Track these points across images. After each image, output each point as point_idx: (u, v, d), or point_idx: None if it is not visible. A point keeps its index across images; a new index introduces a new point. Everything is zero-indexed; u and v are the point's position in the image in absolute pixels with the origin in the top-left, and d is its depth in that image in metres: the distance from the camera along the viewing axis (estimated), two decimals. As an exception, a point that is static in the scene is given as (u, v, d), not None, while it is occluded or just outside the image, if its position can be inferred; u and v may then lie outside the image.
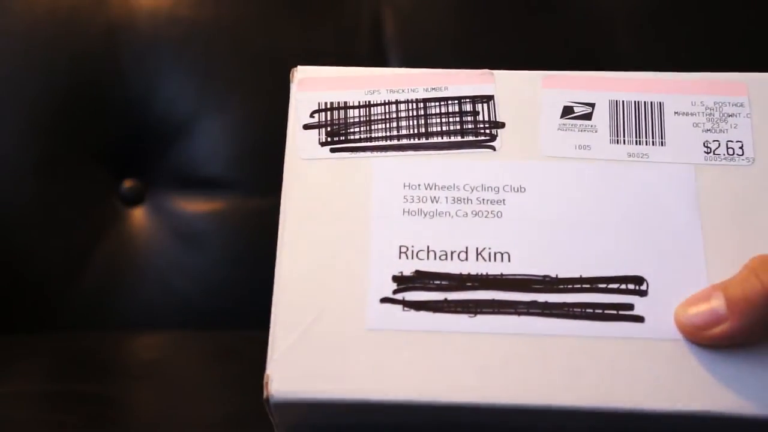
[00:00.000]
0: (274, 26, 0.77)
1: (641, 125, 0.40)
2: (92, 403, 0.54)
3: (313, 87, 0.41)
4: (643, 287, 0.37)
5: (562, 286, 0.37)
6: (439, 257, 0.38)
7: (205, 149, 0.76)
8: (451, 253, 0.38)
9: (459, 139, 0.40)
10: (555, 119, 0.40)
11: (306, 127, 0.41)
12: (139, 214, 0.76)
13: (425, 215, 0.39)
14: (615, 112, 0.40)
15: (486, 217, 0.39)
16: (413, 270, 0.38)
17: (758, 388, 0.36)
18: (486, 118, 0.40)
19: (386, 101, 0.41)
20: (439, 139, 0.40)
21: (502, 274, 0.38)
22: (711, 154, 0.39)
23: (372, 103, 0.41)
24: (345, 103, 0.41)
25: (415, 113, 0.40)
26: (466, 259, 0.38)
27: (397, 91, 0.41)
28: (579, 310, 0.37)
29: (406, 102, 0.40)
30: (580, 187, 0.39)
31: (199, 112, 0.76)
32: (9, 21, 0.75)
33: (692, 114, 0.40)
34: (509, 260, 0.38)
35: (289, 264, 0.39)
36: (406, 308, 0.37)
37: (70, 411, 0.52)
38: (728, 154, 0.39)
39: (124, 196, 0.76)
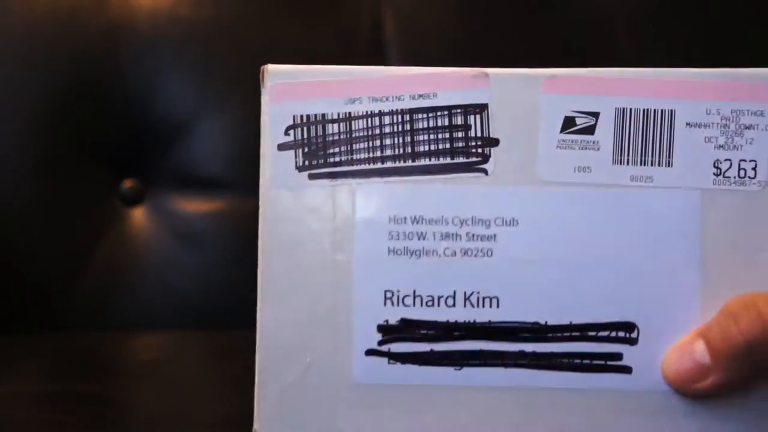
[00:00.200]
0: (274, 26, 0.77)
1: (648, 141, 0.36)
2: (92, 403, 0.54)
3: (287, 94, 0.37)
4: (634, 335, 0.36)
5: (550, 335, 0.36)
6: (426, 303, 0.36)
7: (205, 149, 0.76)
8: (438, 298, 0.36)
9: (448, 160, 0.36)
10: (554, 134, 0.36)
11: (281, 147, 0.36)
12: (139, 214, 0.76)
13: (411, 254, 0.36)
14: (621, 123, 0.36)
15: (476, 256, 0.36)
16: (399, 318, 0.36)
17: None
18: (479, 134, 0.36)
19: (369, 112, 0.36)
20: (427, 161, 0.36)
21: (490, 322, 0.36)
22: (721, 176, 0.36)
23: (353, 115, 0.36)
24: (323, 115, 0.36)
25: (400, 128, 0.36)
26: (454, 305, 0.36)
27: (381, 99, 0.36)
28: (567, 360, 0.36)
29: (391, 113, 0.36)
30: (576, 220, 0.36)
31: (199, 112, 0.76)
32: (9, 21, 0.75)
33: (706, 125, 0.36)
34: (498, 306, 0.36)
35: (270, 313, 0.37)
36: (392, 361, 0.36)
37: (70, 411, 0.52)
38: (739, 176, 0.36)
39: (124, 196, 0.76)
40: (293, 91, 0.37)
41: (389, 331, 0.36)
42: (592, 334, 0.36)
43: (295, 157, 0.36)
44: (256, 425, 0.37)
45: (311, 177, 0.36)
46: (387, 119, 0.36)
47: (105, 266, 0.74)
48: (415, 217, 0.36)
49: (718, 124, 0.36)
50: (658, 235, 0.36)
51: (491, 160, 0.36)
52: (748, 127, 0.36)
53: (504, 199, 0.36)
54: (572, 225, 0.36)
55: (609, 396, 0.36)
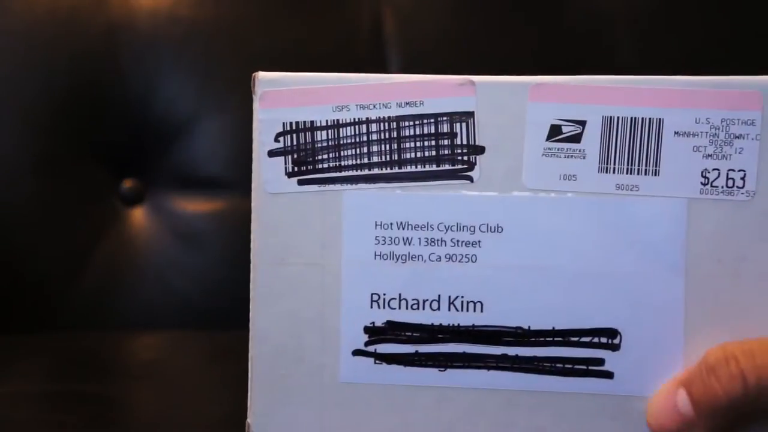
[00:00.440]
0: (274, 26, 0.77)
1: (635, 150, 0.36)
2: (92, 403, 0.54)
3: (277, 101, 0.37)
4: (617, 341, 0.36)
5: (533, 339, 0.36)
6: (411, 306, 0.37)
7: (205, 149, 0.76)
8: (423, 302, 0.37)
9: (434, 167, 0.36)
10: (540, 142, 0.36)
11: (271, 153, 0.37)
12: (139, 214, 0.76)
13: (397, 259, 0.37)
14: (608, 132, 0.36)
15: (460, 261, 0.36)
16: (385, 320, 0.37)
17: None
18: (464, 142, 0.36)
19: (356, 120, 0.36)
20: (413, 168, 0.36)
21: (473, 326, 0.36)
22: (708, 186, 0.36)
23: (341, 122, 0.37)
24: (312, 123, 0.37)
25: (387, 135, 0.36)
26: (438, 308, 0.37)
27: (368, 107, 0.36)
28: (549, 365, 0.36)
29: (378, 121, 0.36)
30: (561, 227, 0.36)
31: (199, 112, 0.76)
32: (9, 21, 0.75)
33: (694, 135, 0.36)
34: (482, 310, 0.36)
35: (263, 315, 0.38)
36: (377, 361, 0.37)
37: (70, 411, 0.52)
38: (727, 186, 0.36)
39: (124, 196, 0.76)
40: (283, 98, 0.37)
41: (375, 333, 0.37)
42: (575, 339, 0.36)
43: (285, 163, 0.37)
44: (249, 419, 0.38)
45: (300, 183, 0.37)
46: (374, 126, 0.37)
47: (105, 266, 0.74)
48: (401, 223, 0.37)
49: (707, 133, 0.36)
50: (643, 243, 0.36)
51: (477, 167, 0.36)
52: (738, 137, 0.36)
53: (489, 206, 0.36)
54: (557, 232, 0.36)
55: (590, 400, 0.36)
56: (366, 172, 0.37)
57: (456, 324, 0.36)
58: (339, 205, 0.37)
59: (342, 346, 0.37)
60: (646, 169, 0.36)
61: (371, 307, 0.37)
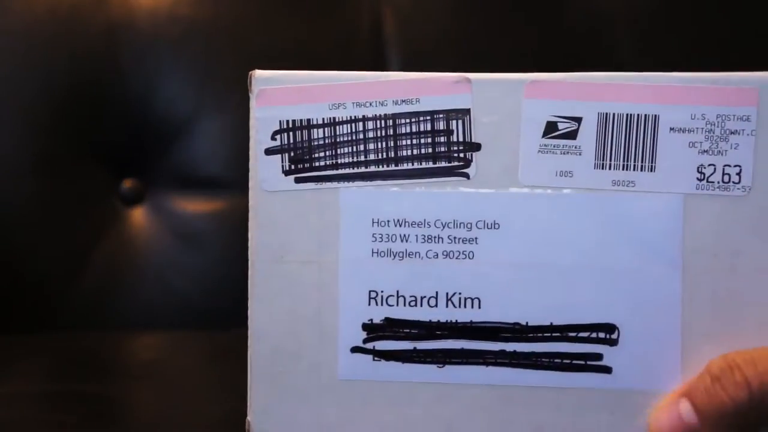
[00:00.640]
0: (274, 26, 0.77)
1: (631, 146, 0.36)
2: (92, 403, 0.54)
3: (274, 99, 0.37)
4: (614, 336, 0.36)
5: (531, 335, 0.36)
6: (409, 303, 0.37)
7: (205, 149, 0.76)
8: (421, 298, 0.37)
9: (431, 165, 0.36)
10: (536, 139, 0.36)
11: (268, 152, 0.37)
12: (138, 214, 0.76)
13: (395, 256, 0.37)
14: (603, 128, 0.36)
15: (457, 258, 0.36)
16: (383, 317, 0.37)
17: None
18: (461, 139, 0.36)
19: (353, 117, 0.36)
20: (410, 166, 0.36)
21: (471, 322, 0.36)
22: (704, 181, 0.36)
23: (337, 120, 0.37)
24: (308, 121, 0.37)
25: (383, 132, 0.36)
26: (436, 305, 0.37)
27: (364, 105, 0.36)
28: (547, 360, 0.36)
29: (374, 119, 0.36)
30: (557, 223, 0.36)
31: (199, 112, 0.76)
32: (9, 20, 0.75)
33: (690, 131, 0.36)
34: (479, 306, 0.36)
35: (261, 312, 0.38)
36: (376, 358, 0.37)
37: (70, 411, 0.52)
38: (723, 182, 0.36)
39: (124, 196, 0.76)
40: (279, 96, 0.37)
41: (373, 330, 0.37)
42: (573, 334, 0.36)
43: (282, 161, 0.37)
44: (249, 417, 0.38)
45: (297, 181, 0.37)
46: (370, 124, 0.37)
47: (105, 266, 0.74)
48: (397, 220, 0.37)
49: (702, 129, 0.36)
50: (640, 238, 0.36)
51: (473, 164, 0.36)
52: (733, 132, 0.36)
53: (485, 203, 0.36)
54: (554, 228, 0.36)
55: (589, 395, 0.36)
56: (363, 169, 0.37)
57: (454, 320, 0.37)
58: (336, 203, 0.37)
59: (340, 343, 0.37)
60: (642, 165, 0.36)
61: (369, 304, 0.37)
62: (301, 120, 0.37)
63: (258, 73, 0.37)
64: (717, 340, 0.36)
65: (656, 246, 0.36)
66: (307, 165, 0.37)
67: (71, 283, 0.74)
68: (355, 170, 0.37)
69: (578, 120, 0.36)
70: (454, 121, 0.36)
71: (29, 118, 0.75)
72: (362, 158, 0.37)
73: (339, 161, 0.37)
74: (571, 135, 0.36)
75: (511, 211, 0.36)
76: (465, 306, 0.37)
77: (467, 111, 0.36)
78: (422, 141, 0.37)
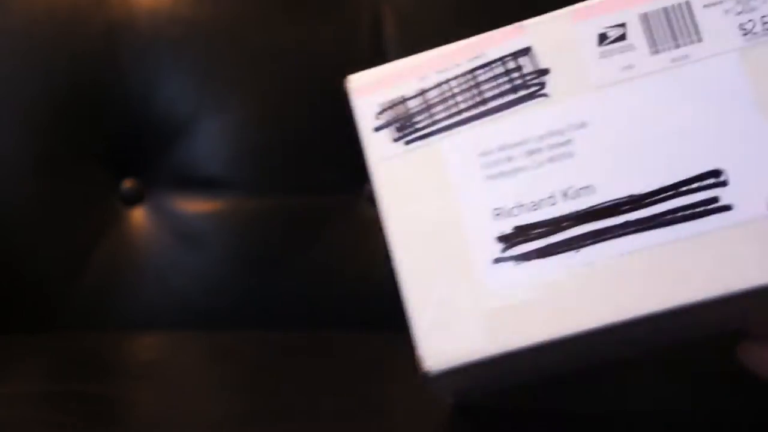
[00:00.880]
0: (274, 26, 0.77)
1: (675, 30, 0.41)
2: (92, 403, 0.54)
3: (369, 91, 0.44)
4: (722, 178, 0.40)
5: (648, 201, 0.40)
6: (531, 208, 0.41)
7: (205, 149, 0.76)
8: (540, 201, 0.41)
9: (513, 96, 0.42)
10: (594, 50, 0.41)
11: (376, 129, 0.43)
12: (139, 214, 0.76)
13: (506, 175, 0.41)
14: (647, 25, 0.41)
15: (560, 160, 0.41)
16: (512, 227, 0.41)
17: None
18: (531, 70, 0.42)
19: (438, 83, 0.43)
20: (497, 103, 0.42)
21: (591, 207, 0.40)
22: (749, 34, 0.40)
23: (425, 88, 0.43)
24: (402, 96, 0.43)
25: (467, 86, 0.42)
26: (555, 203, 0.41)
27: (444, 71, 0.43)
28: (670, 216, 0.40)
29: (456, 78, 0.42)
30: (636, 105, 0.41)
31: (199, 112, 0.76)
32: (8, 20, 0.75)
33: (720, 2, 0.41)
34: (593, 192, 0.40)
35: (402, 254, 0.42)
36: (517, 262, 0.40)
37: (70, 411, 0.52)
38: (764, 30, 0.40)
39: (124, 196, 0.76)
40: (373, 87, 0.44)
41: (507, 239, 0.41)
42: (685, 188, 0.40)
43: (389, 133, 0.43)
44: (417, 350, 0.40)
45: (407, 143, 0.43)
46: (454, 83, 0.43)
47: (105, 266, 0.74)
48: (500, 146, 0.42)
49: None
50: (712, 95, 0.40)
51: (548, 85, 0.42)
52: None
53: (569, 111, 0.41)
54: (634, 111, 0.41)
55: (720, 234, 0.40)
56: (458, 118, 0.42)
57: (575, 210, 0.40)
58: (442, 150, 0.42)
59: (481, 260, 0.41)
60: (690, 40, 0.41)
61: (496, 220, 0.41)
62: (395, 98, 0.43)
63: (352, 79, 0.44)
64: None
65: (728, 97, 0.40)
66: (411, 130, 0.43)
67: (71, 283, 0.74)
68: (453, 120, 0.42)
69: (623, 25, 0.42)
70: (521, 58, 0.42)
71: (29, 118, 0.75)
72: (455, 110, 0.42)
73: (436, 119, 0.42)
74: (622, 37, 0.41)
75: (593, 109, 0.41)
76: (580, 196, 0.41)
77: (528, 48, 0.42)
78: (500, 81, 0.42)
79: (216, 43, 0.76)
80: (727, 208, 0.40)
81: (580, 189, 0.41)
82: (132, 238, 0.75)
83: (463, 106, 0.42)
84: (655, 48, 0.41)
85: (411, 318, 0.41)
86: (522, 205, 0.41)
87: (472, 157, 0.42)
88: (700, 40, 0.41)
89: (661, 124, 0.41)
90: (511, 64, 0.42)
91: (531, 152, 0.41)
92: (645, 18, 0.41)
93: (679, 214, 0.40)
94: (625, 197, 0.40)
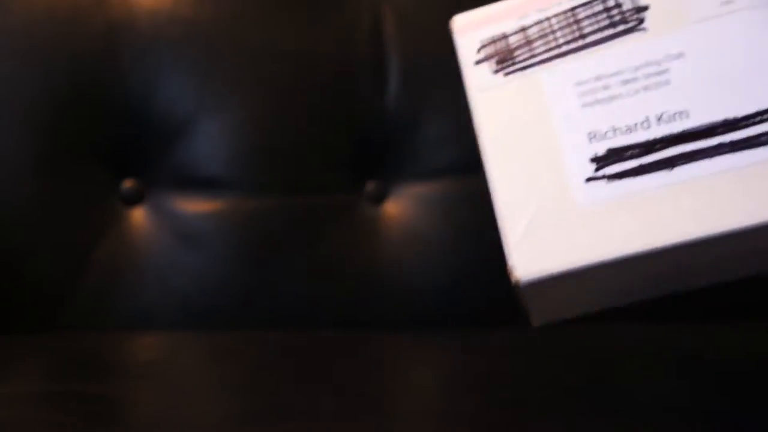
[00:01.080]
0: (274, 26, 0.77)
1: None
2: (92, 403, 0.54)
3: (472, 29, 0.46)
4: None
5: (742, 124, 0.41)
6: (625, 132, 0.42)
7: (205, 149, 0.76)
8: (634, 125, 0.42)
9: (612, 31, 0.44)
10: None
11: (477, 62, 0.45)
12: (139, 214, 0.76)
13: (602, 102, 0.43)
14: None
15: (655, 88, 0.43)
16: (606, 149, 0.42)
17: None
18: (630, 7, 0.44)
19: (538, 20, 0.45)
20: (595, 37, 0.44)
21: (685, 130, 0.42)
22: None
23: (526, 26, 0.45)
24: (503, 33, 0.45)
25: (567, 22, 0.44)
26: (649, 126, 0.42)
27: (545, 9, 0.45)
28: (764, 138, 0.41)
29: (557, 15, 0.45)
30: (733, 37, 0.42)
31: (199, 112, 0.76)
32: (8, 21, 0.75)
33: None
34: (688, 116, 0.42)
35: (499, 173, 0.44)
36: (609, 180, 0.42)
37: (70, 411, 0.52)
38: None
39: (124, 196, 0.76)
40: (476, 26, 0.46)
41: (600, 160, 0.43)
42: None
43: (489, 66, 0.45)
44: (509, 261, 0.42)
45: (506, 74, 0.45)
46: (554, 20, 0.45)
47: (105, 266, 0.74)
48: (597, 76, 0.44)
49: None
50: None
51: (647, 20, 0.44)
52: None
53: (666, 43, 0.43)
54: (731, 43, 0.42)
55: None
56: (557, 52, 0.44)
57: (669, 133, 0.42)
58: (541, 80, 0.44)
59: (575, 178, 0.42)
60: None
61: (590, 143, 0.43)
62: (496, 34, 0.45)
63: (457, 19, 0.47)
64: None
65: None
66: (510, 63, 0.45)
67: (71, 283, 0.74)
68: (551, 54, 0.44)
69: None
70: None
71: (29, 118, 0.75)
72: (553, 44, 0.45)
73: (535, 53, 0.45)
74: None
75: (691, 41, 0.43)
76: (674, 120, 0.42)
77: None
78: (599, 18, 0.44)
79: (216, 43, 0.76)
80: None
81: (675, 113, 0.42)
82: (132, 238, 0.75)
83: (562, 40, 0.44)
84: None
85: (503, 230, 0.43)
86: (616, 129, 0.43)
87: (569, 87, 0.44)
88: None
89: (756, 55, 0.42)
90: (611, 2, 0.44)
91: (626, 81, 0.43)
92: None
93: None
94: (719, 120, 0.42)
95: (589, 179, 0.43)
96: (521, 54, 0.45)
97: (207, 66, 0.76)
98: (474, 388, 0.57)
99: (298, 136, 0.76)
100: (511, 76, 0.45)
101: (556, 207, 0.43)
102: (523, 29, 0.45)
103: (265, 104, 0.76)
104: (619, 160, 0.42)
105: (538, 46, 0.45)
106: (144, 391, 0.58)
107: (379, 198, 0.77)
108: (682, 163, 0.42)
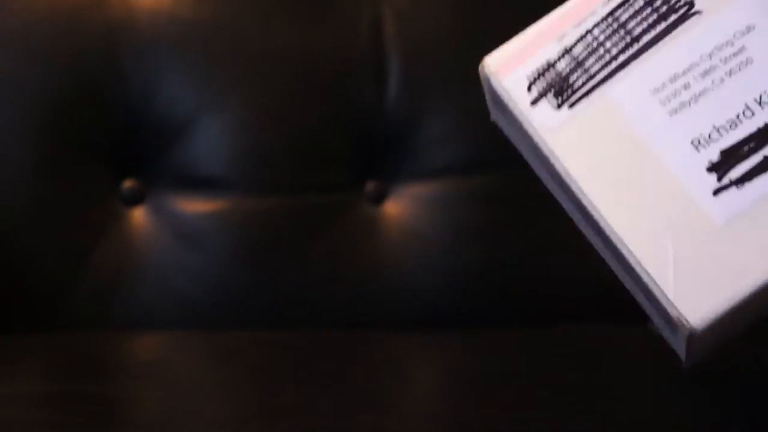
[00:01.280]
0: (274, 26, 0.77)
1: None
2: (92, 403, 0.54)
3: (510, 68, 0.41)
4: None
5: None
6: (730, 127, 0.38)
7: (205, 149, 0.76)
8: (737, 117, 0.38)
9: (665, 24, 0.39)
10: None
11: (533, 103, 0.40)
12: (139, 214, 0.76)
13: (689, 104, 0.39)
14: None
15: (741, 71, 0.38)
16: (718, 153, 0.38)
17: None
18: None
19: (580, 36, 0.40)
20: (649, 36, 0.39)
21: None
22: None
23: (569, 46, 0.40)
24: (548, 62, 0.40)
25: (612, 29, 0.40)
26: (753, 113, 0.38)
27: (582, 22, 0.40)
28: None
29: (597, 25, 0.40)
30: None
31: (199, 112, 0.76)
32: (9, 21, 0.75)
33: None
34: None
35: (616, 221, 0.39)
36: (739, 185, 0.38)
37: (70, 411, 0.52)
38: None
39: (124, 196, 0.76)
40: (512, 62, 0.40)
41: (719, 166, 0.38)
42: None
43: (549, 103, 0.40)
44: (674, 313, 0.38)
45: (571, 106, 0.40)
46: (597, 31, 0.40)
47: (105, 266, 0.74)
48: (670, 78, 0.39)
49: None
50: None
51: (698, 2, 0.39)
52: None
53: (730, 19, 0.39)
54: None
55: None
56: (615, 64, 0.40)
57: None
58: (612, 100, 0.39)
59: (700, 195, 0.38)
60: None
61: (698, 151, 0.38)
62: (541, 65, 0.40)
63: (489, 61, 0.41)
64: None
65: None
66: (570, 91, 0.40)
67: (71, 283, 0.74)
68: (610, 68, 0.39)
69: None
70: None
71: (29, 118, 0.75)
72: (609, 58, 0.40)
73: (592, 72, 0.40)
74: None
75: (753, 9, 0.39)
76: None
77: None
78: (645, 14, 0.40)
79: (216, 43, 0.76)
80: None
81: None
82: (132, 238, 0.75)
83: (615, 51, 0.40)
84: None
85: (656, 284, 0.38)
86: (719, 128, 0.38)
87: (646, 98, 0.39)
88: None
89: None
90: None
91: (706, 72, 0.39)
92: None
93: None
94: None
95: (717, 191, 0.38)
96: (577, 79, 0.40)
97: (207, 66, 0.76)
98: (474, 388, 0.57)
99: (298, 136, 0.76)
100: (577, 107, 0.40)
101: (695, 235, 0.38)
102: (568, 51, 0.40)
103: (265, 104, 0.76)
104: (739, 160, 0.38)
105: (592, 64, 0.40)
106: (144, 391, 0.58)
107: (379, 198, 0.77)
108: None
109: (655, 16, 0.40)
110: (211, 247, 0.75)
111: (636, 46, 0.40)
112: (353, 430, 0.50)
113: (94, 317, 0.74)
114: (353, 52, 0.77)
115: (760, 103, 0.38)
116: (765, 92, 0.38)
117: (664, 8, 0.40)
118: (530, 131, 0.40)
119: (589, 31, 0.40)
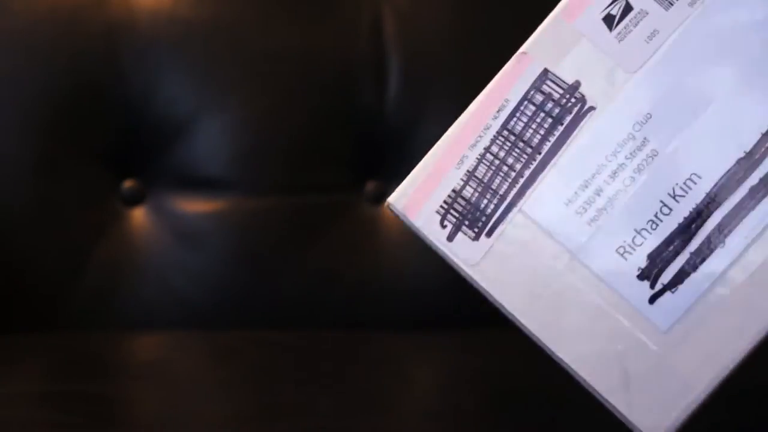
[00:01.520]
0: (274, 26, 0.77)
1: None
2: (92, 403, 0.54)
3: (418, 204, 0.39)
4: None
5: (757, 156, 0.36)
6: (653, 228, 0.37)
7: (205, 149, 0.76)
8: (655, 216, 0.37)
9: (561, 128, 0.38)
10: (608, 37, 0.38)
11: (449, 238, 0.39)
12: (139, 214, 0.76)
13: (606, 209, 0.38)
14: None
15: (648, 165, 0.37)
16: (645, 256, 0.37)
17: None
18: (561, 91, 0.38)
19: (479, 156, 0.38)
20: (549, 143, 0.38)
21: (707, 193, 0.36)
22: None
23: (470, 169, 0.38)
24: (453, 190, 0.39)
25: (510, 143, 0.38)
26: (671, 210, 0.37)
27: (477, 142, 0.38)
28: None
29: (493, 141, 0.38)
30: (688, 64, 0.37)
31: (199, 112, 0.76)
32: (9, 20, 0.75)
33: None
34: (700, 177, 0.37)
35: (560, 345, 0.38)
36: (671, 290, 0.37)
37: (70, 411, 0.52)
38: None
39: (124, 196, 0.76)
40: (418, 197, 0.39)
41: (649, 273, 0.37)
42: None
43: (465, 234, 0.38)
44: (633, 426, 0.37)
45: (488, 235, 0.38)
46: (494, 147, 0.38)
47: (105, 266, 0.74)
48: (581, 185, 0.37)
49: None
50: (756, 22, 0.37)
51: (587, 96, 0.38)
52: None
53: (625, 109, 0.37)
54: (691, 71, 0.37)
55: None
56: (522, 180, 0.38)
57: (694, 206, 0.37)
58: (528, 222, 0.38)
59: (636, 306, 0.37)
60: None
61: (625, 259, 0.37)
62: (448, 196, 0.38)
63: (392, 201, 0.39)
64: None
65: None
66: (484, 219, 0.38)
67: (71, 283, 0.74)
68: (518, 185, 0.38)
69: (616, 0, 0.38)
70: (545, 86, 0.38)
71: (29, 118, 0.75)
72: (513, 173, 0.38)
73: (501, 192, 0.38)
74: (628, 8, 0.37)
75: (647, 95, 0.37)
76: (691, 189, 0.37)
77: (546, 71, 0.38)
78: (539, 120, 0.38)
79: (216, 43, 0.76)
80: None
81: (686, 181, 0.37)
82: (132, 238, 0.75)
83: (518, 166, 0.38)
84: (667, 1, 0.37)
85: (611, 403, 0.37)
86: (640, 231, 0.37)
87: (562, 211, 0.38)
88: None
89: (706, 77, 0.36)
90: (539, 97, 0.38)
91: (614, 173, 0.37)
92: None
93: None
94: (733, 165, 0.36)
95: (652, 299, 0.37)
96: (488, 203, 0.38)
97: (207, 66, 0.76)
98: (474, 387, 0.57)
99: (298, 136, 0.76)
100: (495, 233, 0.38)
101: (643, 347, 0.37)
102: (470, 174, 0.38)
103: (265, 104, 0.76)
104: (668, 261, 0.37)
105: (499, 184, 0.38)
106: (144, 391, 0.58)
107: (379, 198, 0.77)
108: (730, 230, 0.36)
109: (549, 120, 0.38)
110: (211, 247, 0.75)
111: (538, 158, 0.38)
112: (353, 430, 0.50)
113: (94, 317, 0.74)
114: (353, 52, 0.77)
115: (674, 198, 0.37)
116: (677, 185, 0.37)
117: (557, 110, 0.38)
118: (457, 267, 0.39)
119: (487, 150, 0.38)
